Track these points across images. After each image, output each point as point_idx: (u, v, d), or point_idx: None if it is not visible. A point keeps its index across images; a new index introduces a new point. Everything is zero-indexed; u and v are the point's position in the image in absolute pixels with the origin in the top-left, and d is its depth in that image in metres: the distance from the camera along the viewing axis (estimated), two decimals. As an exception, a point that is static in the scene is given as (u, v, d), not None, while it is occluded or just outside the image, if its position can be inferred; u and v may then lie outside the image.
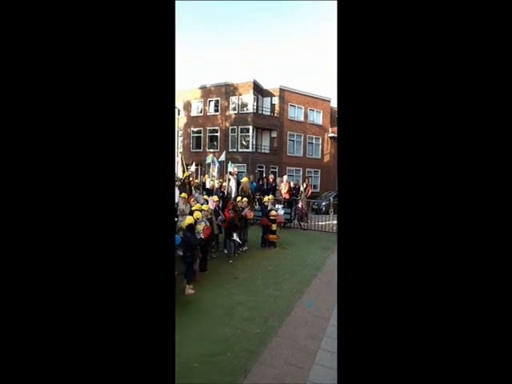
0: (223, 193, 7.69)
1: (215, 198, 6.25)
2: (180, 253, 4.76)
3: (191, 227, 4.35)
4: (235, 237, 5.57)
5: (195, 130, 18.55)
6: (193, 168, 9.62)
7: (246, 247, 6.51)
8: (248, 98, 16.90)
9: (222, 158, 9.33)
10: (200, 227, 4.61)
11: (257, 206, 8.78)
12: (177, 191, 6.13)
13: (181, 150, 16.31)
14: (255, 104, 16.95)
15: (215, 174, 8.53)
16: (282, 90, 17.46)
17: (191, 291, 4.16)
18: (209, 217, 5.21)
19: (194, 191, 6.68)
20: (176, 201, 5.42)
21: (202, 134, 18.35)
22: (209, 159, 8.94)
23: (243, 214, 6.24)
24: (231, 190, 7.65)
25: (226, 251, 6.03)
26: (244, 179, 8.19)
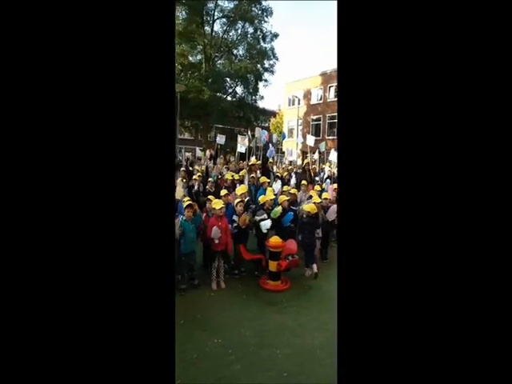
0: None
1: (335, 185, 6.02)
2: (299, 238, 4.84)
3: (315, 214, 4.35)
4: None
5: (314, 117, 18.37)
6: (316, 156, 9.57)
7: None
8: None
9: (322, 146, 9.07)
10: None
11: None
12: (293, 178, 6.24)
13: (301, 139, 16.51)
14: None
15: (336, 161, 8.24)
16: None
17: (314, 270, 4.19)
18: (329, 205, 5.08)
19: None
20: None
21: (321, 122, 18.01)
22: (322, 147, 8.71)
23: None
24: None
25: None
26: None
